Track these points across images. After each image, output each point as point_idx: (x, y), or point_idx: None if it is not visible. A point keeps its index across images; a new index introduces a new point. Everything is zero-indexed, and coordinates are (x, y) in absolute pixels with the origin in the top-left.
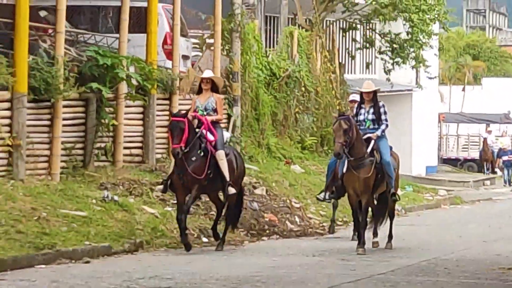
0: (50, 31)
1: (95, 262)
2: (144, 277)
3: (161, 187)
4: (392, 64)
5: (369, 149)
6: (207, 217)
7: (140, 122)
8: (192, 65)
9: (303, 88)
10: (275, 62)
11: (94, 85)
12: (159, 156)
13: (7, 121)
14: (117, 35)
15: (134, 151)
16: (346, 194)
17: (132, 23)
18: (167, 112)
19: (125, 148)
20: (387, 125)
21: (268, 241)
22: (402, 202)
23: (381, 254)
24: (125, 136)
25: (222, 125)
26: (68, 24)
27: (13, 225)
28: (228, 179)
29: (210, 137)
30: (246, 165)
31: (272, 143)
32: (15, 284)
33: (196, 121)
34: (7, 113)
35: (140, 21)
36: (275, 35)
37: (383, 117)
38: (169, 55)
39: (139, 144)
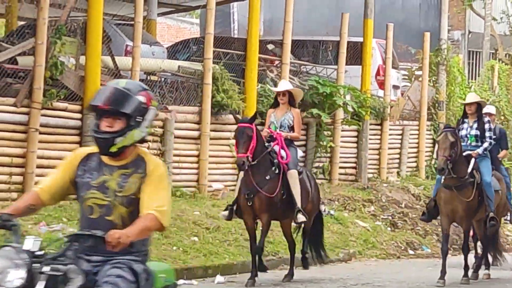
0: (276, 62)
1: (313, 269)
2: (357, 284)
3: (225, 213)
4: None
5: (469, 169)
6: (414, 232)
7: (354, 144)
8: (402, 94)
9: (502, 117)
10: (477, 93)
11: (315, 110)
12: (370, 175)
13: None
14: (336, 67)
15: (348, 170)
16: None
17: (349, 56)
18: (379, 137)
19: (340, 167)
20: (490, 143)
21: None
22: None
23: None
24: (340, 157)
25: (297, 143)
26: (292, 56)
27: (241, 233)
28: (299, 204)
29: (283, 154)
30: None
31: None
32: (243, 285)
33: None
34: None
35: (356, 54)
36: (477, 68)
37: (487, 134)
38: (381, 85)
39: (353, 164)
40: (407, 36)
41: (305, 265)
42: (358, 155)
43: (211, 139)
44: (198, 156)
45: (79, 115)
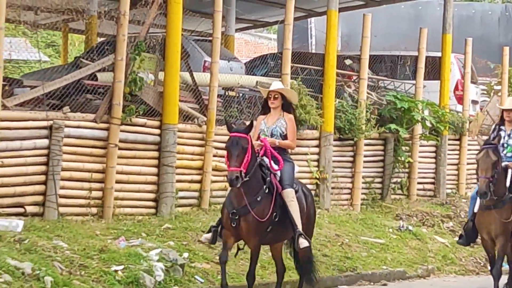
0: (354, 77)
1: (391, 285)
2: None
3: (208, 236)
4: None
5: (508, 182)
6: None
7: (433, 160)
8: (481, 109)
9: None
10: None
11: (393, 126)
12: (449, 191)
13: (315, 156)
14: (414, 82)
15: (426, 186)
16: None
17: (427, 71)
18: (458, 152)
19: (418, 183)
20: None
21: None
22: None
23: None
24: (419, 172)
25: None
26: (370, 72)
27: (319, 249)
28: (300, 227)
29: (274, 167)
30: None
31: None
32: None
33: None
34: (316, 149)
35: (435, 69)
36: None
37: None
38: (460, 100)
39: (431, 180)
40: (486, 51)
41: None
42: (436, 170)
43: None
44: None
45: (157, 131)
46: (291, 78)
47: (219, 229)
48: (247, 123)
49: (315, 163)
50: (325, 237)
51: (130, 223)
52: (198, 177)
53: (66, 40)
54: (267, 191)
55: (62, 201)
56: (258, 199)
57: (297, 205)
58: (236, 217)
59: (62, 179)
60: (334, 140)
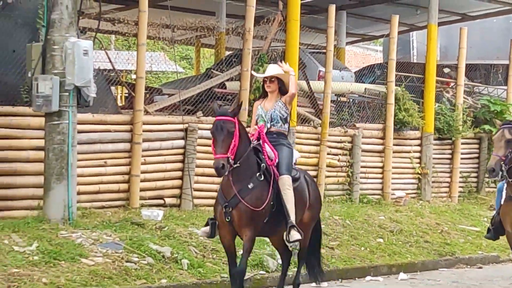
0: (452, 84)
1: (486, 267)
2: None
3: (206, 229)
4: None
5: None
6: None
7: None
8: None
9: None
10: None
11: (486, 127)
12: None
13: (417, 154)
14: (505, 87)
15: None
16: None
17: None
18: None
19: None
20: None
21: None
22: None
23: None
24: None
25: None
26: (466, 79)
27: (421, 236)
28: (292, 218)
29: (270, 153)
30: None
31: None
32: (424, 282)
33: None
34: (418, 148)
35: None
36: None
37: None
38: None
39: None
40: None
41: None
42: None
43: (393, 152)
44: (382, 167)
45: None
46: (396, 85)
47: (217, 222)
48: (357, 125)
49: (417, 160)
50: (427, 226)
51: None
52: (314, 173)
53: (198, 53)
54: (261, 178)
55: (196, 193)
56: (250, 186)
57: (292, 195)
58: (230, 210)
59: (196, 175)
60: (434, 139)
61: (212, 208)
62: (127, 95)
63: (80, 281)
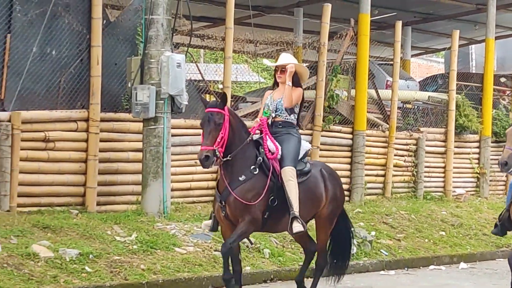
0: (507, 92)
1: None
2: None
3: (208, 222)
4: None
5: None
6: None
7: None
8: None
9: None
10: None
11: None
12: None
13: (476, 155)
14: None
15: None
16: None
17: None
18: None
19: None
20: None
21: None
22: None
23: None
24: None
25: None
26: None
27: (480, 229)
28: (296, 208)
29: (271, 146)
30: None
31: None
32: (482, 271)
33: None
34: (477, 150)
35: None
36: None
37: None
38: None
39: None
40: None
41: None
42: None
43: (454, 153)
44: (444, 167)
45: (350, 136)
46: (456, 93)
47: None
48: (421, 129)
49: (476, 161)
50: (485, 220)
51: None
52: (382, 172)
53: None
54: (256, 171)
55: None
56: (241, 178)
57: (295, 186)
58: (223, 205)
59: None
60: (492, 142)
61: None
62: None
63: (174, 268)
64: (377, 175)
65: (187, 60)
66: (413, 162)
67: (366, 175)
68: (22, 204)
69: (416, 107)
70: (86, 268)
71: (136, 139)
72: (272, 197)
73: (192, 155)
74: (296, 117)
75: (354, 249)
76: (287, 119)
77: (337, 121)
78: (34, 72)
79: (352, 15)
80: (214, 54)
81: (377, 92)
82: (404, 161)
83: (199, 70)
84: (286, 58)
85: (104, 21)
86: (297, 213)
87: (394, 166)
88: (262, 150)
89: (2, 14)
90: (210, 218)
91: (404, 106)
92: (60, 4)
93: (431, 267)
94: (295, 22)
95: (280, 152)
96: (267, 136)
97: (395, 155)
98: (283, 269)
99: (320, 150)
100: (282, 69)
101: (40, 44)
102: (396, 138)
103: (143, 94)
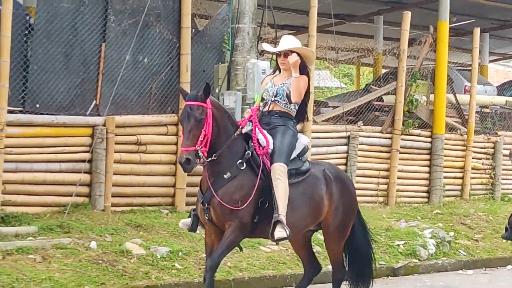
0: None
1: None
2: None
3: (186, 221)
4: None
5: None
6: None
7: None
8: None
9: None
10: None
11: None
12: None
13: None
14: None
15: None
16: None
17: None
18: None
19: None
20: None
21: None
22: None
23: None
24: None
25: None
26: None
27: None
28: (281, 211)
29: (261, 139)
30: None
31: None
32: None
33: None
34: None
35: None
36: None
37: None
38: None
39: None
40: None
41: None
42: None
43: None
44: None
45: (429, 139)
46: None
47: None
48: (499, 133)
49: None
50: None
51: (408, 209)
52: (460, 175)
53: (358, 71)
54: (243, 166)
55: (357, 191)
56: (226, 176)
57: (284, 185)
58: (206, 206)
59: (357, 176)
60: None
61: None
62: None
63: (259, 265)
64: (455, 178)
65: (271, 66)
66: (491, 164)
67: (445, 177)
68: (116, 204)
69: (493, 111)
70: (176, 265)
71: None
72: (263, 198)
73: None
74: (296, 108)
75: (433, 249)
76: (287, 108)
77: (417, 125)
78: (127, 79)
79: (431, 22)
80: None
81: (455, 97)
82: (482, 163)
83: None
84: (289, 42)
85: (193, 30)
86: (282, 217)
87: (472, 168)
88: (252, 144)
89: (97, 25)
90: (189, 217)
91: (482, 110)
92: (152, 14)
93: (509, 267)
94: (375, 30)
95: (271, 147)
96: (257, 129)
97: (473, 158)
98: None
99: (400, 153)
100: (285, 53)
101: (132, 52)
102: (474, 142)
103: (229, 99)
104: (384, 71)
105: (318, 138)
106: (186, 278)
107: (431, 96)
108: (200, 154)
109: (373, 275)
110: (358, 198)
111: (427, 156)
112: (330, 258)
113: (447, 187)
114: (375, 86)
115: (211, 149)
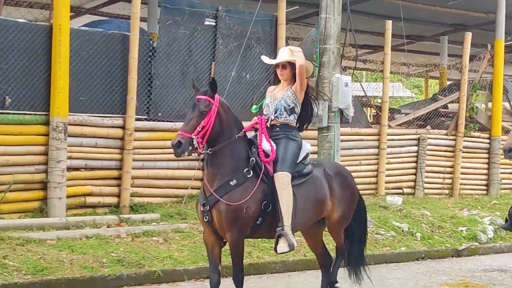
0: None
1: None
2: None
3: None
4: None
5: None
6: None
7: None
8: None
9: None
10: None
11: None
12: None
13: None
14: None
15: None
16: None
17: None
18: None
19: None
20: None
21: None
22: None
23: None
24: None
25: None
26: None
27: None
28: (286, 222)
29: (266, 147)
30: None
31: None
32: None
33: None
34: None
35: None
36: None
37: None
38: None
39: None
40: None
41: None
42: None
43: None
44: None
45: (487, 141)
46: None
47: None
48: None
49: None
50: None
51: (470, 200)
52: (510, 175)
53: (426, 83)
54: (250, 174)
55: (426, 185)
56: (232, 183)
57: (289, 197)
58: (207, 209)
59: (426, 172)
60: None
61: None
62: (375, 114)
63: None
64: (510, 173)
65: (352, 80)
66: None
67: (502, 173)
68: None
69: None
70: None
71: (311, 144)
72: (266, 202)
73: (357, 157)
74: (296, 117)
75: (491, 234)
76: (287, 120)
77: (477, 129)
78: (232, 92)
79: (489, 41)
80: (374, 75)
81: (510, 104)
82: None
83: (362, 88)
84: (286, 54)
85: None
86: (286, 229)
87: None
88: (255, 150)
89: (208, 47)
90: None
91: None
92: (253, 38)
93: None
94: (441, 48)
95: (274, 155)
96: (263, 136)
97: None
98: (432, 250)
99: (463, 152)
100: (282, 64)
101: (237, 69)
102: None
103: (319, 107)
104: (448, 83)
105: (393, 140)
106: (282, 257)
107: (489, 104)
108: (195, 143)
109: (365, 260)
110: (427, 191)
111: (486, 155)
112: (334, 239)
113: (504, 181)
114: (441, 95)
115: (209, 145)
